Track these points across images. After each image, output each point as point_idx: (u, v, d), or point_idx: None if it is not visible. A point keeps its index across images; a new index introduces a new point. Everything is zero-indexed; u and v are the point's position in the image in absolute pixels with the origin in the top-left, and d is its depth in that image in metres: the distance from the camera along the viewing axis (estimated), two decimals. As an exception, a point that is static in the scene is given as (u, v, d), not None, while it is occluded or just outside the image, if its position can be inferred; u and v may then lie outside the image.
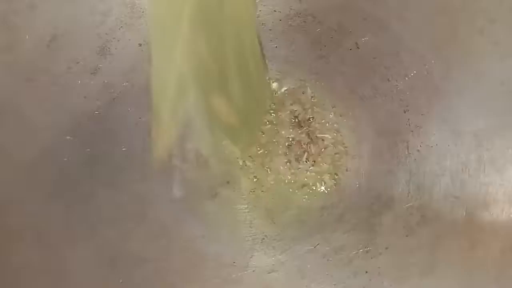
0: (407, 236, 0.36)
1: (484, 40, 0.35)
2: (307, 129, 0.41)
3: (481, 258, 0.33)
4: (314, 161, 0.40)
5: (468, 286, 0.33)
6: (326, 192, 0.39)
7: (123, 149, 0.39)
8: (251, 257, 0.37)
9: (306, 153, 0.40)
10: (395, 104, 0.40)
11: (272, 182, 0.39)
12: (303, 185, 0.39)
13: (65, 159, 0.38)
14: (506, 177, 0.34)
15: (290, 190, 0.39)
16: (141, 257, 0.37)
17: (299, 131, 0.41)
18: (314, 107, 0.41)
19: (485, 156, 0.36)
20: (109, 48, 0.40)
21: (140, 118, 0.40)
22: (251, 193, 0.39)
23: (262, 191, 0.39)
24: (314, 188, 0.39)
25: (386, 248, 0.36)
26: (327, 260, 0.37)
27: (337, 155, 0.40)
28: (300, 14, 0.42)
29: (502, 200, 0.34)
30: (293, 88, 0.42)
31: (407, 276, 0.35)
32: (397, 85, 0.40)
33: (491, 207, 0.34)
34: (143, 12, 0.40)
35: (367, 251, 0.36)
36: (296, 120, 0.41)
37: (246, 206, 0.39)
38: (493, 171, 0.35)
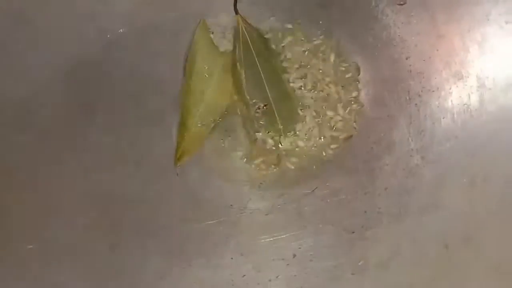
0: (407, 177, 0.36)
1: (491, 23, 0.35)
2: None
3: (481, 194, 0.33)
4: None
5: (470, 221, 0.33)
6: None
7: (119, 93, 0.39)
8: (248, 201, 0.37)
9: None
10: (397, 51, 0.39)
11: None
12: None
13: (60, 101, 0.37)
14: (507, 115, 0.34)
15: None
16: (137, 199, 0.36)
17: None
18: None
19: (487, 95, 0.35)
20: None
21: (136, 63, 0.39)
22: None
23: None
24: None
25: (386, 189, 0.36)
26: (325, 202, 0.36)
27: (337, 102, 0.39)
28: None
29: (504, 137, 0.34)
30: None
31: (406, 214, 0.34)
32: (400, 31, 0.39)
33: (493, 145, 0.34)
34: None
35: (365, 193, 0.36)
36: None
37: (244, 152, 0.38)
38: (495, 110, 0.34)
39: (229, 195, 0.37)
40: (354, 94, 0.39)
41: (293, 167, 0.38)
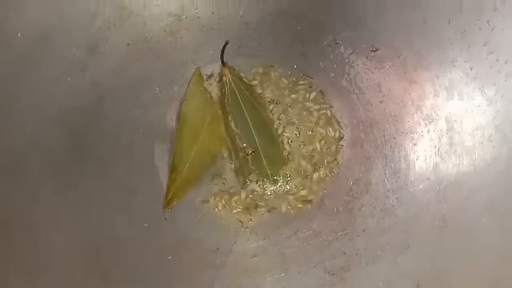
0: (383, 218, 0.37)
1: (451, 30, 0.37)
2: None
3: (451, 234, 0.34)
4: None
5: (440, 260, 0.34)
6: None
7: (110, 142, 0.41)
8: (234, 243, 0.38)
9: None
10: (372, 95, 0.41)
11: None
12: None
13: (53, 149, 0.39)
14: (476, 157, 0.36)
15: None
16: (126, 242, 0.38)
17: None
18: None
19: (456, 138, 0.37)
20: (98, 47, 0.42)
21: (126, 113, 0.42)
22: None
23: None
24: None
25: (363, 230, 0.37)
26: (307, 243, 0.38)
27: (317, 145, 0.41)
28: (282, 13, 0.44)
29: (470, 179, 0.35)
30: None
31: (383, 256, 0.36)
32: (374, 77, 0.41)
33: (462, 187, 0.35)
34: (131, 13, 0.42)
35: (345, 234, 0.37)
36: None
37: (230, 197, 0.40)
38: (464, 152, 0.36)
39: (215, 239, 0.39)
40: (333, 135, 0.41)
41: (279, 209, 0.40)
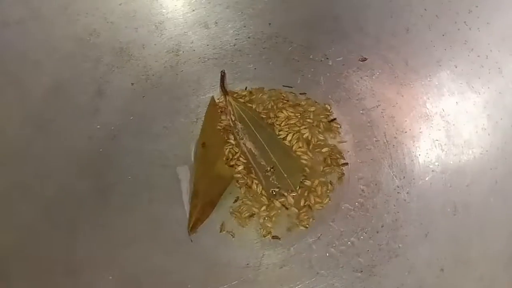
0: (398, 212, 0.40)
1: (433, 34, 0.41)
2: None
3: (464, 218, 0.37)
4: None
5: (458, 244, 0.37)
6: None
7: (129, 177, 0.43)
8: (262, 257, 0.40)
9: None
10: (368, 101, 0.45)
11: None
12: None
13: (79, 194, 0.41)
14: (474, 145, 0.39)
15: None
16: (162, 270, 0.39)
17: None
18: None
19: (452, 131, 0.40)
20: (104, 91, 0.44)
21: (140, 149, 0.44)
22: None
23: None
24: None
25: (382, 226, 0.40)
26: (331, 246, 0.40)
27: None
28: (271, 37, 0.47)
29: (472, 166, 0.38)
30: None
31: (404, 247, 0.38)
32: (367, 84, 0.45)
33: (466, 173, 0.38)
34: (131, 56, 0.45)
35: (365, 232, 0.40)
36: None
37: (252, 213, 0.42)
38: (462, 142, 0.40)
39: (243, 255, 0.41)
40: (338, 140, 0.44)
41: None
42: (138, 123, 0.44)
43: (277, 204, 0.42)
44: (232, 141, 0.44)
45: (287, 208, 0.42)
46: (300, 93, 0.46)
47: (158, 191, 0.43)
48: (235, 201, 0.42)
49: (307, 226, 0.41)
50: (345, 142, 0.44)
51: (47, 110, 0.41)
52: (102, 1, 0.44)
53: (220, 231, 0.41)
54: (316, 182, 0.42)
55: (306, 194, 0.42)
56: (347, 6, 0.44)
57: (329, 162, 0.43)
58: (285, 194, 0.42)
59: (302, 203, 0.42)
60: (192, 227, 0.41)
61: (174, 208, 0.42)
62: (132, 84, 0.45)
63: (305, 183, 0.42)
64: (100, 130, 0.43)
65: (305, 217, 0.41)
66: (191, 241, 0.41)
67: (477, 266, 0.35)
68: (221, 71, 0.46)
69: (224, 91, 0.46)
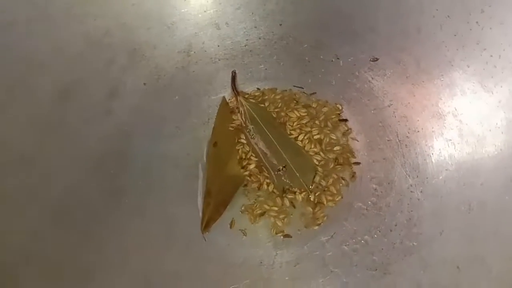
0: (411, 211, 0.40)
1: (444, 34, 0.41)
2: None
3: (480, 216, 0.37)
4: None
5: (474, 242, 0.37)
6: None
7: (141, 178, 0.43)
8: (276, 255, 0.41)
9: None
10: (379, 100, 0.45)
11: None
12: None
13: (92, 196, 0.41)
14: (487, 143, 0.39)
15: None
16: (175, 273, 0.39)
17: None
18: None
19: (464, 129, 0.40)
20: (117, 91, 0.44)
21: (153, 149, 0.44)
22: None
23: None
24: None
25: (395, 225, 0.40)
26: (345, 245, 0.40)
27: (337, 153, 0.44)
28: (282, 37, 0.47)
29: (485, 164, 0.39)
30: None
31: (419, 246, 0.38)
32: (378, 84, 0.45)
33: (479, 172, 0.39)
34: (143, 56, 0.45)
35: (379, 231, 0.40)
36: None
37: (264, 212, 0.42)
38: (475, 141, 0.40)
39: (257, 254, 0.41)
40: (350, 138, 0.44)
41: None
42: (150, 123, 0.45)
43: (287, 202, 0.42)
44: (243, 140, 0.44)
45: (294, 207, 0.42)
46: (311, 93, 0.46)
47: (170, 191, 0.43)
48: (246, 198, 0.43)
49: (320, 224, 0.41)
50: (357, 141, 0.44)
51: (57, 112, 0.41)
52: (114, 1, 0.44)
53: (230, 227, 0.41)
54: (329, 180, 0.42)
55: (318, 192, 0.42)
56: (358, 6, 0.44)
57: (341, 161, 0.43)
58: (297, 192, 0.42)
59: (314, 201, 0.42)
60: (205, 226, 0.41)
61: (187, 208, 0.42)
62: (144, 84, 0.45)
63: (317, 181, 0.42)
64: (112, 130, 0.43)
65: (319, 215, 0.41)
66: (205, 240, 0.41)
67: (493, 265, 0.35)
68: (232, 71, 0.47)
69: (236, 91, 0.46)
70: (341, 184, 0.42)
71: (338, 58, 0.46)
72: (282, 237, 0.41)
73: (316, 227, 0.41)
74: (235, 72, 0.47)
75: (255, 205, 0.42)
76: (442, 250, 0.37)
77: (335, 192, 0.42)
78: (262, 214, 0.42)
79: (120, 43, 0.44)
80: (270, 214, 0.42)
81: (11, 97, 0.40)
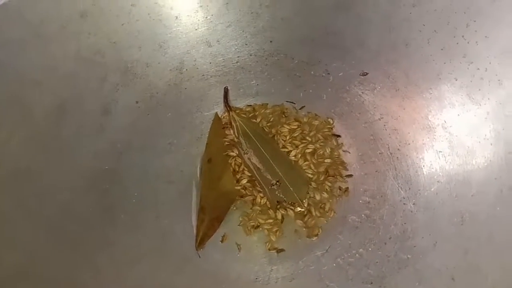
0: (405, 223, 0.40)
1: (432, 48, 0.42)
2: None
3: (472, 227, 0.38)
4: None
5: (467, 252, 0.37)
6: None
7: (135, 194, 0.43)
8: (271, 271, 0.40)
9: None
10: (370, 114, 0.45)
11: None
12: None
13: (85, 214, 0.41)
14: (477, 155, 0.40)
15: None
16: (169, 286, 0.39)
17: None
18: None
19: (454, 141, 0.41)
20: (110, 109, 0.44)
21: (146, 166, 0.44)
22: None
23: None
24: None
25: (389, 238, 0.40)
26: (340, 259, 0.40)
27: (329, 167, 0.45)
28: (273, 53, 0.48)
29: (476, 175, 0.39)
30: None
31: (413, 258, 0.39)
32: (368, 98, 0.46)
33: (471, 183, 0.39)
34: (135, 75, 0.45)
35: (373, 244, 0.40)
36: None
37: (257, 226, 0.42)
38: (465, 153, 0.40)
39: (252, 270, 0.41)
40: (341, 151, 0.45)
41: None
42: (143, 140, 0.45)
43: (279, 215, 0.42)
44: (234, 153, 0.44)
45: (282, 221, 0.42)
46: (300, 107, 0.47)
47: (164, 207, 0.43)
48: (240, 213, 0.43)
49: (314, 237, 0.41)
50: (349, 153, 0.44)
51: (50, 129, 0.41)
52: (105, 21, 0.44)
53: (221, 242, 0.41)
54: (322, 194, 0.43)
55: (311, 206, 0.42)
56: (347, 22, 0.45)
57: (332, 173, 0.43)
58: (291, 207, 0.42)
59: (307, 216, 0.42)
60: (200, 243, 0.41)
61: (180, 224, 0.42)
62: (137, 102, 0.45)
63: (311, 195, 0.42)
64: (106, 147, 0.43)
65: (312, 229, 0.41)
66: (199, 256, 0.41)
67: (488, 275, 0.35)
68: (225, 87, 0.47)
69: (228, 107, 0.46)
70: (334, 198, 0.43)
71: (328, 73, 0.47)
72: (276, 252, 0.41)
73: (313, 239, 0.41)
74: (227, 88, 0.47)
75: (249, 217, 0.42)
76: (437, 262, 0.37)
77: (328, 206, 0.42)
78: (256, 227, 0.42)
79: (112, 62, 0.44)
80: (264, 227, 0.42)
81: (5, 114, 0.39)
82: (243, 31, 0.48)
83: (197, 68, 0.47)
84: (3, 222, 0.37)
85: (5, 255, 0.36)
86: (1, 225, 0.37)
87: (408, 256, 0.39)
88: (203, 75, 0.47)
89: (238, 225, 0.42)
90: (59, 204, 0.40)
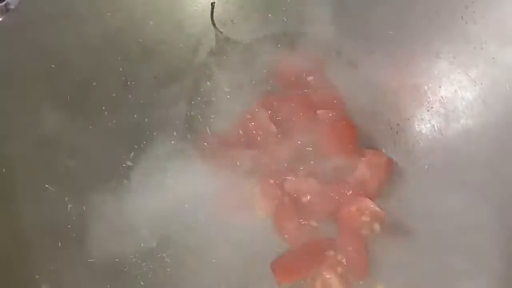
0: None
1: (433, 28, 0.44)
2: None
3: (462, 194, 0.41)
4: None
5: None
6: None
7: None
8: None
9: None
10: (372, 89, 0.47)
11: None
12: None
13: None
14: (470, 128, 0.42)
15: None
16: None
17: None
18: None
19: (451, 116, 0.44)
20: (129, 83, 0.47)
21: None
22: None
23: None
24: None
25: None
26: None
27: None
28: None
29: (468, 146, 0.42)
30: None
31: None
32: (371, 76, 0.48)
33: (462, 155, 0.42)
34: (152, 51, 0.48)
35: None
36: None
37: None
38: (460, 127, 0.43)
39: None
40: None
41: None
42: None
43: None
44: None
45: None
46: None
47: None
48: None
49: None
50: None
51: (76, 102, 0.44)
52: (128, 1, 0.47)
53: None
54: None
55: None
56: (355, 2, 0.47)
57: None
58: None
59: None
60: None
61: None
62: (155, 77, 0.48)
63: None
64: (126, 119, 0.46)
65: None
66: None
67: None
68: (212, 3, 0.49)
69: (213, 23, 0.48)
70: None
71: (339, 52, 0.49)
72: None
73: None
74: (213, 4, 0.49)
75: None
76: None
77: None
78: None
79: (132, 39, 0.47)
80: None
81: (34, 87, 0.42)
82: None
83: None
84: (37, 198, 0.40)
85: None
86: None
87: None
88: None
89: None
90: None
